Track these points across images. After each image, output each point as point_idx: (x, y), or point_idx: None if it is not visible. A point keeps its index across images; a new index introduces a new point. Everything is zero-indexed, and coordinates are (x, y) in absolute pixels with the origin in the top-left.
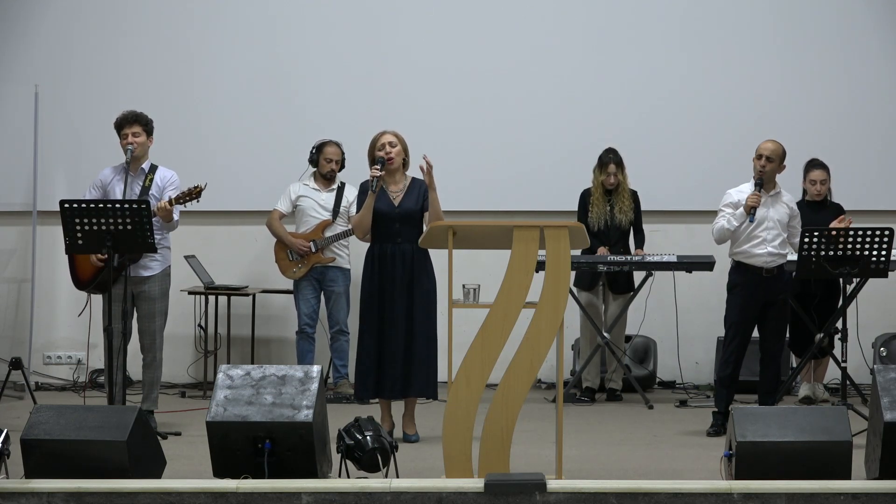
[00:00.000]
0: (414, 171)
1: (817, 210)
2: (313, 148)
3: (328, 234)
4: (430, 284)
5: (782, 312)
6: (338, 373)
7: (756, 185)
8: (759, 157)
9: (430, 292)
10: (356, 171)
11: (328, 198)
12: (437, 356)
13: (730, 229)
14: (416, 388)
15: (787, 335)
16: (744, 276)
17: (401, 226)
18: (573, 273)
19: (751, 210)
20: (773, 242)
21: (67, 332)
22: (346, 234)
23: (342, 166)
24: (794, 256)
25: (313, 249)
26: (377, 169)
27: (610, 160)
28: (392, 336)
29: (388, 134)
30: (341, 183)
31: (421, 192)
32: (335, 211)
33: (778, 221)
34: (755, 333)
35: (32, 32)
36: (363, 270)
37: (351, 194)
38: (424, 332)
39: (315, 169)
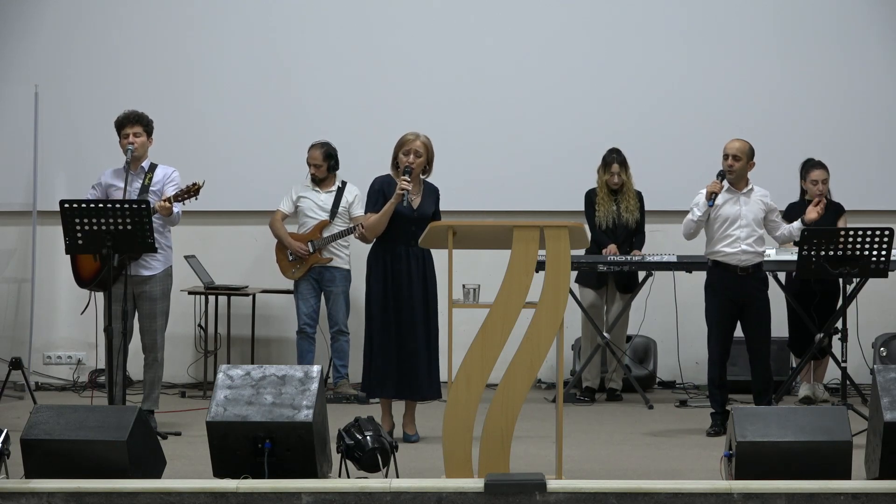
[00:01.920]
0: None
1: None
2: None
3: (326, 234)
4: (435, 286)
5: (762, 311)
6: (338, 373)
7: (718, 175)
8: (725, 156)
9: (435, 294)
10: (358, 170)
11: (327, 198)
12: (438, 357)
13: (693, 220)
14: (434, 391)
15: (788, 335)
16: (719, 276)
17: (416, 228)
18: (580, 271)
19: (711, 195)
20: (746, 240)
21: (67, 332)
22: (343, 234)
23: (332, 165)
24: (782, 255)
25: (311, 250)
26: (406, 181)
27: (613, 159)
28: (409, 337)
29: (419, 141)
30: (342, 182)
31: (433, 196)
32: (333, 211)
33: (752, 220)
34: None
35: (32, 32)
36: (371, 270)
37: (351, 194)
38: (435, 334)
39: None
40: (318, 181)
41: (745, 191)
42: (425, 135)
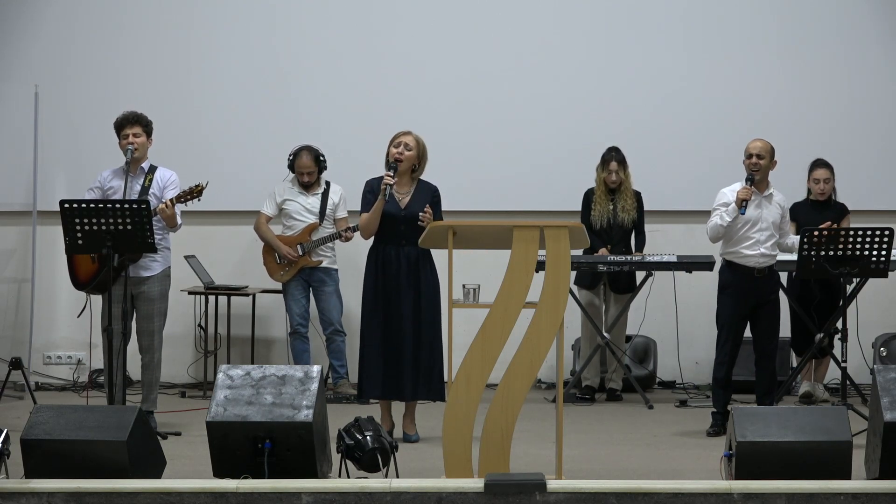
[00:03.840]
0: (422, 176)
1: (821, 210)
2: (290, 155)
3: (315, 237)
4: (434, 286)
5: (774, 312)
6: (336, 373)
7: (747, 179)
8: (749, 156)
9: (436, 293)
10: (358, 172)
11: (314, 201)
12: (443, 358)
13: (723, 225)
14: (425, 392)
15: (789, 335)
16: (735, 277)
17: (406, 228)
18: (574, 272)
19: (742, 203)
20: (765, 244)
21: (67, 332)
22: (332, 238)
23: (322, 169)
24: (783, 256)
25: (300, 253)
26: (390, 176)
27: (612, 158)
28: (400, 337)
29: (410, 136)
30: (326, 183)
31: (428, 195)
32: (321, 213)
33: (772, 223)
34: (748, 333)
35: (32, 32)
36: (366, 271)
37: (336, 195)
38: (433, 334)
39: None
40: (307, 185)
41: (766, 193)
42: (418, 134)
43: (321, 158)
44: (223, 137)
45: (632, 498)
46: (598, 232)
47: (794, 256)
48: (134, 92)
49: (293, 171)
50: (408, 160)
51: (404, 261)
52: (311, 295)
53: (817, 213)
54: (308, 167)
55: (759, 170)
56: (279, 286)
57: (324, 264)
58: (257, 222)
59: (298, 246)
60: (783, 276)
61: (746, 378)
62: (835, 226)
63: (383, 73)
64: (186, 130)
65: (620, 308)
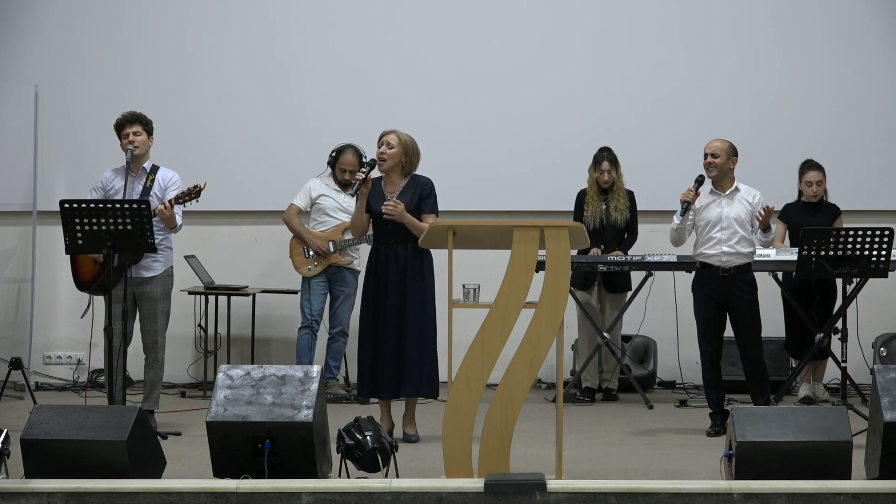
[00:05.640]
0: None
1: (813, 211)
2: (333, 151)
3: (348, 237)
4: (425, 284)
5: (747, 312)
6: (330, 373)
7: (696, 181)
8: (705, 155)
9: (426, 292)
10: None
11: (349, 200)
12: (435, 355)
13: (672, 228)
14: (411, 388)
15: (785, 336)
16: (702, 276)
17: (393, 227)
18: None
19: (683, 204)
20: (728, 242)
21: (67, 332)
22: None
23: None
24: (782, 256)
25: (332, 250)
26: (363, 172)
27: (604, 158)
28: (386, 336)
29: (392, 134)
30: None
31: (417, 191)
32: None
33: (734, 220)
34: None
35: (32, 32)
36: (365, 271)
37: None
38: (418, 332)
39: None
40: (345, 183)
41: (728, 192)
42: (407, 134)
43: (363, 157)
44: (224, 137)
45: (632, 498)
46: (592, 232)
47: (788, 256)
48: (134, 92)
49: (333, 168)
50: (391, 158)
51: (393, 259)
52: (328, 294)
53: (809, 214)
54: (351, 164)
55: (714, 168)
56: (280, 286)
57: (353, 266)
58: (288, 213)
59: (330, 243)
60: (781, 276)
61: (743, 378)
62: (772, 207)
63: (384, 74)
64: (187, 130)
65: (616, 307)
